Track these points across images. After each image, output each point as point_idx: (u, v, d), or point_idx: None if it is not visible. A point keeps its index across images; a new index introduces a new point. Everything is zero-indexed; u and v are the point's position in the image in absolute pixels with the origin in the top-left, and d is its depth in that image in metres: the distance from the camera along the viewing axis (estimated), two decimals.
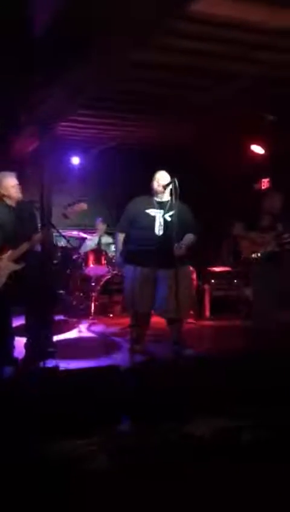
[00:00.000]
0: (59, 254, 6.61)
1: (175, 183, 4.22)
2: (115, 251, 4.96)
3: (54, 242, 6.75)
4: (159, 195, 4.47)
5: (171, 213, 4.35)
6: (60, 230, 6.73)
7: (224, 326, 5.91)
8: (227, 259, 7.94)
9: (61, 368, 3.21)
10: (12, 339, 4.43)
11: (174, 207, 4.30)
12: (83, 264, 6.21)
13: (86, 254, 6.19)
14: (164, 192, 4.43)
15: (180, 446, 2.92)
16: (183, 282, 4.33)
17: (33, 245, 4.32)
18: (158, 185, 4.45)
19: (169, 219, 4.38)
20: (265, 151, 6.59)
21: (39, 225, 4.65)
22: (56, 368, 3.21)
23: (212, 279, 6.31)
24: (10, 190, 4.22)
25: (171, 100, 4.96)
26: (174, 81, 4.31)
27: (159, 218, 4.42)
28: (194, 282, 6.37)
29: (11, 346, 4.40)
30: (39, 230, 4.45)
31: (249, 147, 6.76)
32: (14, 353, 4.40)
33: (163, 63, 3.77)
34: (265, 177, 7.28)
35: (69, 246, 6.13)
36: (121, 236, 4.62)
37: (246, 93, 4.57)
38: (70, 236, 6.76)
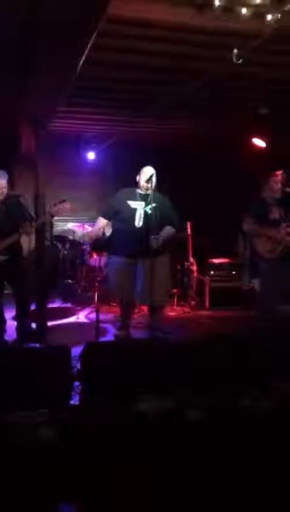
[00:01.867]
0: (68, 246, 6.98)
1: (152, 177, 4.44)
2: (90, 231, 5.25)
3: (70, 234, 7.18)
4: (144, 188, 4.66)
5: (152, 206, 4.54)
6: (69, 223, 7.19)
7: (219, 316, 6.05)
8: (243, 254, 8.02)
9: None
10: (3, 324, 4.82)
11: (156, 200, 4.52)
12: (88, 255, 6.52)
13: (91, 245, 6.48)
14: (148, 188, 4.59)
15: (126, 423, 3.15)
16: (161, 271, 4.54)
17: (19, 238, 4.62)
18: (143, 179, 4.63)
19: (150, 211, 4.57)
20: (267, 144, 6.61)
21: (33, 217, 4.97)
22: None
23: (212, 270, 6.45)
24: None
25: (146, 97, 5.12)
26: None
27: (139, 210, 4.62)
28: (194, 274, 6.56)
29: (1, 330, 4.78)
30: (29, 222, 4.73)
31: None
32: (6, 336, 4.80)
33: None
34: (278, 170, 7.30)
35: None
36: (100, 221, 4.88)
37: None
38: (75, 229, 7.11)
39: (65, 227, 7.38)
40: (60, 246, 7.09)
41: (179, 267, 6.64)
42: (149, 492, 2.41)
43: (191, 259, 6.55)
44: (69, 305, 6.52)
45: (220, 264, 6.51)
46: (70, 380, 3.25)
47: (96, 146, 7.36)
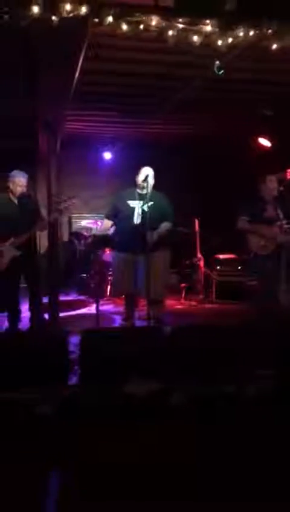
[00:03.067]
0: (83, 242, 7.38)
1: (148, 177, 4.74)
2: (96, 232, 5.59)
3: (87, 230, 7.59)
4: (142, 188, 4.94)
5: (149, 204, 4.80)
6: (84, 221, 7.59)
7: (224, 309, 6.33)
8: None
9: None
10: (18, 313, 5.21)
11: (153, 198, 4.82)
12: (102, 251, 6.88)
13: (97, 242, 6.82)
14: (145, 187, 4.84)
15: (116, 402, 3.48)
16: (158, 266, 4.86)
17: (33, 234, 5.02)
18: (140, 179, 4.92)
19: (147, 209, 4.82)
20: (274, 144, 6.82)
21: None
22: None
23: (218, 265, 6.73)
24: (16, 187, 4.94)
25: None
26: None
27: (138, 208, 4.93)
28: (202, 269, 6.85)
29: (16, 319, 5.18)
30: (40, 220, 5.10)
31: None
32: (20, 325, 5.20)
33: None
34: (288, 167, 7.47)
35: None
36: (106, 221, 5.25)
37: None
38: (91, 226, 7.50)
39: (81, 224, 7.78)
40: (76, 242, 7.50)
41: (187, 263, 6.94)
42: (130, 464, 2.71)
43: (199, 255, 6.84)
44: (82, 297, 6.93)
45: (226, 259, 6.77)
46: (68, 363, 3.61)
47: (113, 146, 7.70)
